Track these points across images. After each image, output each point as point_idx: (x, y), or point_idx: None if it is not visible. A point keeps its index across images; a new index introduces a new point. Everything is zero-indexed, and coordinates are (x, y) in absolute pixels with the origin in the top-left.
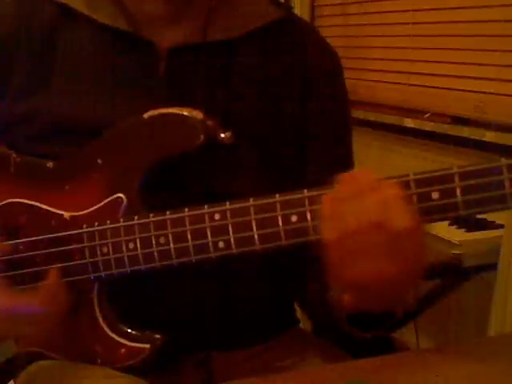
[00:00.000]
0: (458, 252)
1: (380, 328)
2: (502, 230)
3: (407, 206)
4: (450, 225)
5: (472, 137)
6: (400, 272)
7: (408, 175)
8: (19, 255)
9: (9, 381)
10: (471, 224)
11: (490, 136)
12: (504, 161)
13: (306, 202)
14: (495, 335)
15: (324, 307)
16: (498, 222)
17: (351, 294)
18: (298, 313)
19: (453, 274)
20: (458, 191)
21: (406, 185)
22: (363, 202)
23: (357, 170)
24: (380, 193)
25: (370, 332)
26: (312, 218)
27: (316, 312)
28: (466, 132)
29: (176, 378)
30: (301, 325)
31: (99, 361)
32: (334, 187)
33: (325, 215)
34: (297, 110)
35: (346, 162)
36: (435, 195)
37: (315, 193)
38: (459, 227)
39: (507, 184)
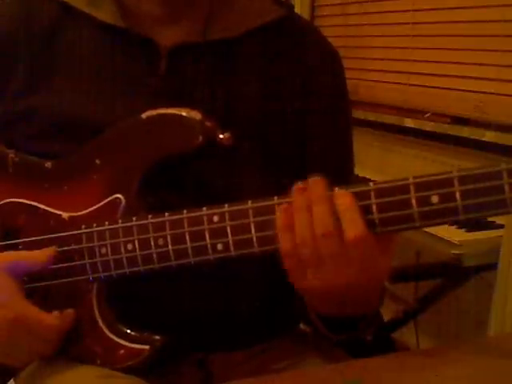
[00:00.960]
0: (457, 252)
1: (353, 330)
2: (501, 230)
3: (356, 215)
4: (449, 225)
5: (472, 137)
6: (353, 280)
7: (407, 179)
8: None
9: (9, 381)
10: (471, 224)
11: (490, 136)
12: (504, 165)
13: None
14: (495, 335)
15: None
16: (497, 222)
17: (310, 299)
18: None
19: (453, 274)
20: (458, 195)
21: (404, 188)
22: (313, 212)
23: (311, 178)
24: (330, 203)
25: (343, 334)
26: None
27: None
28: (466, 132)
29: (175, 379)
30: (300, 325)
31: (99, 361)
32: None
33: (279, 226)
34: (297, 110)
35: (346, 161)
36: (435, 199)
37: None
38: (459, 227)
39: (507, 188)
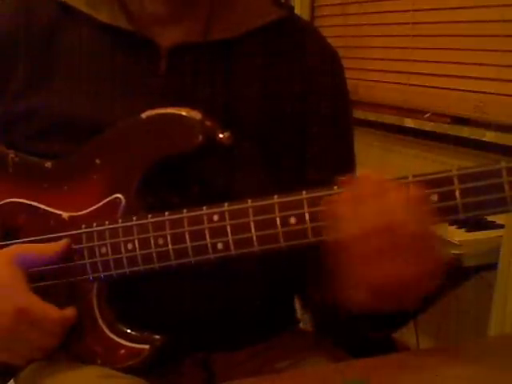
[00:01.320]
0: (457, 252)
1: (391, 327)
2: (502, 229)
3: (426, 207)
4: (449, 225)
5: (472, 137)
6: (416, 274)
7: (407, 177)
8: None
9: (9, 381)
10: (471, 224)
11: (490, 136)
12: (504, 163)
13: (305, 204)
14: (495, 335)
15: (325, 307)
16: (498, 222)
17: (365, 293)
18: (298, 313)
19: (453, 273)
20: (458, 194)
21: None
22: (383, 202)
23: (367, 171)
24: (399, 194)
25: (381, 331)
26: (311, 220)
27: (317, 311)
28: (465, 132)
29: (176, 379)
30: (301, 325)
31: (99, 361)
32: (337, 188)
33: (342, 215)
34: (297, 110)
35: (347, 162)
36: (434, 198)
37: (314, 194)
38: (459, 227)
39: (507, 187)
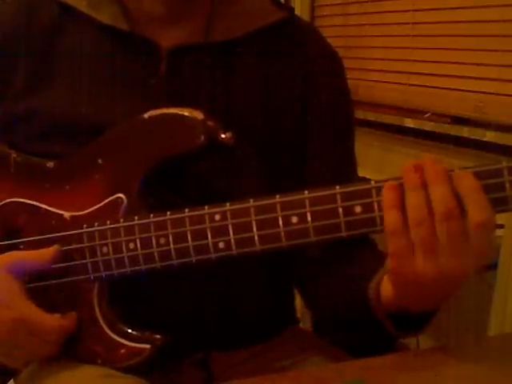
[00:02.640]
0: None
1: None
2: (501, 230)
3: (484, 197)
4: None
5: (472, 137)
6: (466, 268)
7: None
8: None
9: (9, 381)
10: None
11: (490, 136)
12: (505, 163)
13: (307, 203)
14: (495, 335)
15: (332, 305)
16: (497, 222)
17: (403, 289)
18: (298, 313)
19: None
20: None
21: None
22: (433, 191)
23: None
24: (451, 183)
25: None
26: (312, 220)
27: (320, 309)
28: (465, 132)
29: (176, 378)
30: (301, 325)
31: (99, 361)
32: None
33: (387, 204)
34: (298, 111)
35: (347, 162)
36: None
37: (315, 194)
38: None
39: (508, 186)
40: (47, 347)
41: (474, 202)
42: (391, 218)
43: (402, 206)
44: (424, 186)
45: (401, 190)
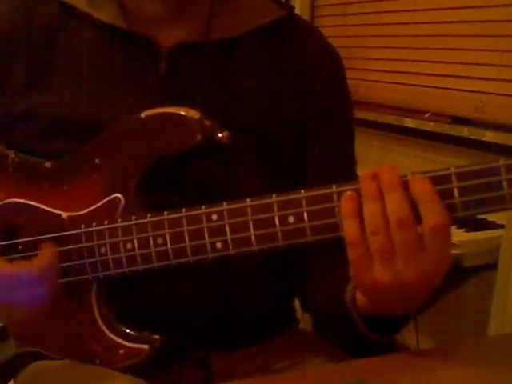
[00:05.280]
0: (457, 252)
1: (392, 329)
2: (501, 229)
3: (438, 201)
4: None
5: (472, 137)
6: (424, 273)
7: (406, 176)
8: (17, 255)
9: (9, 381)
10: (471, 224)
11: (489, 136)
12: (502, 161)
13: (304, 203)
14: (495, 335)
15: (325, 306)
16: (497, 222)
17: (368, 295)
18: (298, 313)
19: (453, 273)
20: (456, 192)
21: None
22: (388, 198)
23: (375, 167)
24: (405, 189)
25: (381, 334)
26: (309, 219)
27: (316, 310)
28: (465, 132)
29: (175, 378)
30: (301, 325)
31: (98, 361)
32: (335, 187)
33: (344, 213)
34: (297, 110)
35: (347, 162)
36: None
37: (312, 193)
38: (459, 227)
39: (505, 184)
40: (40, 290)
41: (428, 207)
42: (348, 227)
43: (359, 215)
44: (380, 194)
45: (359, 199)
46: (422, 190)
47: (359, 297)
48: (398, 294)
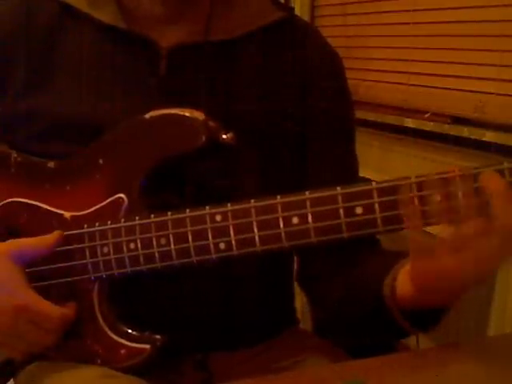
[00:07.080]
0: None
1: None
2: None
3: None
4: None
5: (472, 137)
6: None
7: (409, 178)
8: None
9: (9, 381)
10: None
11: (489, 136)
12: (506, 164)
13: (308, 204)
14: (495, 335)
15: (334, 305)
16: None
17: (423, 285)
18: (298, 313)
19: None
20: (460, 195)
21: (405, 188)
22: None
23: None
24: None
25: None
26: (313, 220)
27: (329, 309)
28: (465, 132)
29: (176, 379)
30: (301, 325)
31: (99, 361)
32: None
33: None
34: (297, 110)
35: (348, 163)
36: (437, 198)
37: (316, 195)
38: None
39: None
40: (47, 337)
41: (502, 206)
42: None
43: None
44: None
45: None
46: (495, 186)
47: (400, 291)
48: (455, 283)
